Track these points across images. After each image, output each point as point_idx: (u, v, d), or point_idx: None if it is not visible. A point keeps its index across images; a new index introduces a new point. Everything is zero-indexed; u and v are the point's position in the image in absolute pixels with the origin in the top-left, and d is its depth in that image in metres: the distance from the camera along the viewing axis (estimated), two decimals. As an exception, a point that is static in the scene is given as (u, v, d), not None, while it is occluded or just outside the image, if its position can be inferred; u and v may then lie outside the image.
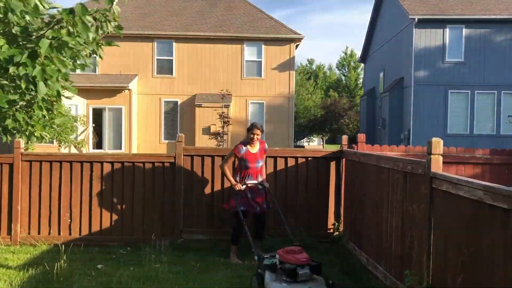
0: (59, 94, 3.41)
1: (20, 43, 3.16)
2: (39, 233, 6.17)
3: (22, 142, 6.09)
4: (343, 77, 55.35)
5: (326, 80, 55.34)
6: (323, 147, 32.74)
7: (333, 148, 6.78)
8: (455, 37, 19.29)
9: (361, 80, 49.02)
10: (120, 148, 19.37)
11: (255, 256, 4.69)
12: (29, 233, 6.16)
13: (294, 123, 24.23)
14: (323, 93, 49.35)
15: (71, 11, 2.95)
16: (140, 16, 21.68)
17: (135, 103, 20.28)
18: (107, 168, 6.19)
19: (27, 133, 3.97)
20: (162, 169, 6.22)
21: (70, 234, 6.18)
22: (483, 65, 19.22)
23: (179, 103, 20.71)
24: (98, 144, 19.63)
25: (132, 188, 6.20)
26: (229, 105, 19.68)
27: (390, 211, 4.48)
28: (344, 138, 6.50)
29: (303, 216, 6.29)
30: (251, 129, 5.56)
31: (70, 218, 6.17)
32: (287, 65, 20.88)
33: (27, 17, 3.10)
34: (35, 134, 4.01)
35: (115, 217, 6.20)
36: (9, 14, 2.90)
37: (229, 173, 5.65)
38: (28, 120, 3.79)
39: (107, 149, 19.28)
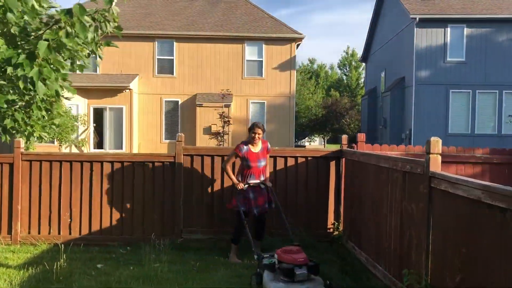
0: (58, 94, 3.42)
1: (19, 43, 3.17)
2: (39, 233, 6.18)
3: (22, 141, 6.10)
4: (344, 77, 55.32)
5: (327, 80, 55.31)
6: (324, 147, 32.74)
7: (334, 147, 6.78)
8: (456, 37, 19.27)
9: (362, 80, 49.00)
10: (121, 148, 19.39)
11: (254, 255, 4.70)
12: (29, 233, 6.18)
13: (295, 122, 24.25)
14: (325, 93, 49.35)
15: (68, 11, 2.95)
16: (141, 15, 21.71)
17: (136, 102, 20.30)
18: (107, 167, 6.21)
19: (26, 133, 3.98)
20: (162, 168, 6.23)
21: (70, 233, 6.19)
22: (484, 65, 19.19)
23: (179, 102, 20.73)
24: (99, 144, 19.66)
25: (132, 188, 6.21)
26: (230, 104, 19.69)
27: (389, 210, 4.48)
28: (344, 137, 6.49)
29: (302, 216, 6.29)
30: (252, 128, 5.57)
31: (70, 218, 6.19)
32: (288, 64, 20.88)
33: (26, 17, 3.11)
34: (34, 135, 4.02)
35: (115, 216, 6.21)
36: (8, 13, 2.91)
37: (231, 172, 5.66)
38: (27, 120, 3.80)
39: (108, 148, 19.31)
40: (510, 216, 2.61)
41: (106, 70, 20.30)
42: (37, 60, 2.93)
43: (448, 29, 19.24)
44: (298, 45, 21.30)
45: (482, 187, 2.89)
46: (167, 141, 20.41)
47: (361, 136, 6.65)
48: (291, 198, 6.30)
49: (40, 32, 3.10)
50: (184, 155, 6.24)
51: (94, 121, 19.57)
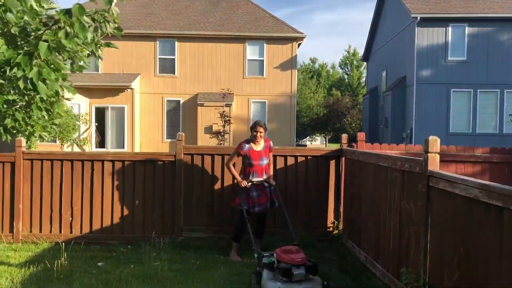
0: (57, 94, 3.44)
1: (19, 43, 3.19)
2: (40, 231, 6.22)
3: (23, 140, 6.13)
4: (345, 76, 55.27)
5: (328, 79, 55.25)
6: (325, 146, 32.74)
7: (336, 147, 6.79)
8: (457, 36, 19.23)
9: (363, 79, 48.95)
10: (123, 147, 19.44)
11: (255, 253, 4.72)
12: (30, 231, 6.21)
13: (297, 122, 24.24)
14: (326, 92, 49.31)
15: (67, 11, 2.97)
16: (142, 15, 21.74)
17: (138, 102, 20.34)
18: (107, 166, 6.23)
19: (26, 133, 4.00)
20: (163, 167, 6.26)
21: (71, 232, 6.22)
22: (485, 64, 19.15)
23: (181, 102, 20.76)
24: (101, 143, 19.72)
25: (133, 187, 6.24)
26: (231, 104, 19.71)
27: (388, 209, 4.50)
28: (344, 137, 6.51)
29: (302, 215, 6.31)
30: (254, 126, 5.61)
31: (71, 216, 6.22)
32: (289, 64, 20.89)
33: (26, 17, 3.13)
34: (35, 134, 4.04)
35: (115, 215, 6.24)
36: (8, 13, 2.93)
37: (234, 170, 5.69)
38: (28, 120, 3.82)
39: (110, 148, 19.35)
40: (507, 215, 2.63)
41: (108, 70, 20.35)
42: (36, 60, 2.95)
43: (450, 28, 19.21)
44: (299, 45, 21.30)
45: (479, 186, 2.90)
46: (169, 140, 20.45)
47: (361, 135, 6.66)
48: (291, 197, 6.32)
49: (40, 32, 3.12)
50: (184, 154, 6.26)
51: (96, 120, 19.62)
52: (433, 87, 19.18)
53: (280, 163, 6.34)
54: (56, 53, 3.17)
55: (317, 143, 39.90)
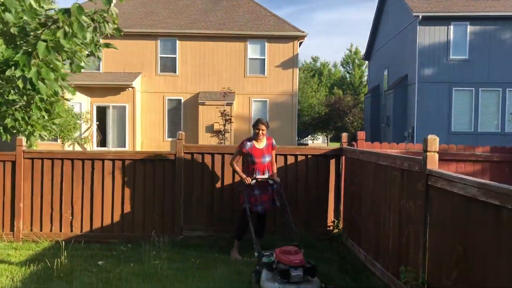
0: (57, 94, 3.45)
1: (18, 43, 3.20)
2: (41, 230, 6.24)
3: (24, 139, 6.15)
4: (347, 75, 55.18)
5: (330, 78, 55.19)
6: (327, 145, 32.72)
7: (337, 146, 6.80)
8: (459, 34, 19.19)
9: (365, 78, 48.87)
10: (124, 146, 19.47)
11: (255, 252, 4.72)
12: (31, 230, 6.23)
13: (298, 121, 24.22)
14: (328, 91, 49.25)
15: (66, 10, 2.98)
16: (143, 14, 21.75)
17: (139, 101, 20.36)
18: (108, 165, 6.25)
19: (26, 132, 4.02)
20: (163, 166, 6.27)
21: (71, 231, 6.24)
22: (487, 62, 19.11)
23: (182, 101, 20.78)
24: (102, 142, 19.75)
25: (133, 186, 6.25)
26: (232, 103, 19.71)
27: (388, 208, 4.50)
28: (344, 135, 6.51)
29: (302, 214, 6.31)
30: (256, 124, 5.64)
31: (72, 215, 6.24)
32: (291, 62, 20.87)
33: (25, 17, 3.13)
34: (35, 134, 4.05)
35: (116, 214, 6.25)
36: (7, 13, 2.93)
37: (238, 168, 5.70)
38: (28, 120, 3.83)
39: (111, 146, 19.39)
40: (505, 213, 2.63)
41: (109, 69, 20.37)
42: (34, 60, 2.96)
43: (451, 27, 19.17)
44: (300, 43, 21.27)
45: (477, 185, 2.90)
46: (170, 139, 20.46)
47: (361, 134, 6.66)
48: (291, 196, 6.31)
49: (39, 32, 3.13)
50: (184, 153, 6.27)
51: (97, 119, 19.66)
52: (434, 86, 19.14)
53: (280, 162, 6.34)
54: (56, 53, 3.17)
55: (318, 142, 39.89)
